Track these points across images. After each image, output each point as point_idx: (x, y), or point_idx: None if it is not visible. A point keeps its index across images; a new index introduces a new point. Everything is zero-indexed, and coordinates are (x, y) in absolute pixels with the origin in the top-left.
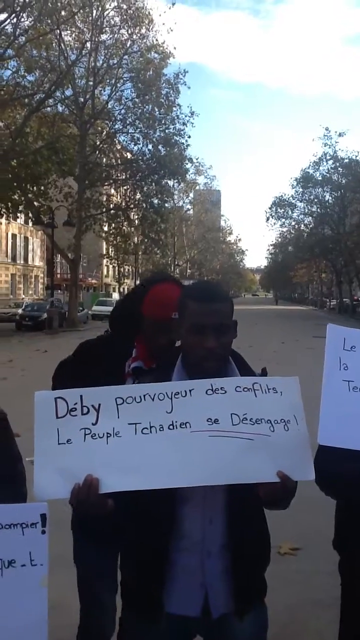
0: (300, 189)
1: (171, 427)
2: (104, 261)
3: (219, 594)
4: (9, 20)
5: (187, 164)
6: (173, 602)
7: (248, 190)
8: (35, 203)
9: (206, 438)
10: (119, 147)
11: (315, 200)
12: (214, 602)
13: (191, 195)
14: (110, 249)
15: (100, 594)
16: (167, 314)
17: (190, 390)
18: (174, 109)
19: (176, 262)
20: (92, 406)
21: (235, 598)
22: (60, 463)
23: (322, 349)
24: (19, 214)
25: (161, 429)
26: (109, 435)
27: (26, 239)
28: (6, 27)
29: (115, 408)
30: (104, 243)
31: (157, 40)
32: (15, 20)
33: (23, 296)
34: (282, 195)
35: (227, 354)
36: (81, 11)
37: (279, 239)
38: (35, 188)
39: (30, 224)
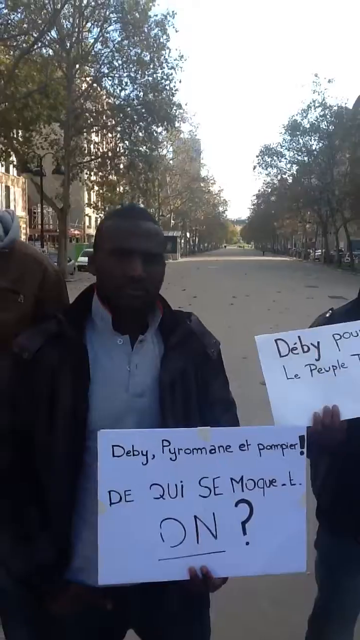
0: (288, 137)
1: None
2: (86, 211)
3: None
4: None
5: (175, 110)
6: None
7: (227, 140)
8: (20, 151)
9: None
10: (105, 92)
11: (303, 148)
12: None
13: (175, 143)
14: (96, 199)
15: None
16: None
17: None
18: (163, 52)
19: (161, 213)
20: (312, 344)
21: None
22: (293, 396)
23: (320, 297)
24: (1, 162)
25: None
26: (334, 367)
27: (7, 188)
28: None
29: (335, 343)
30: (86, 193)
31: None
32: None
33: None
34: (269, 145)
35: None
36: None
37: (264, 189)
38: (20, 134)
39: (13, 172)
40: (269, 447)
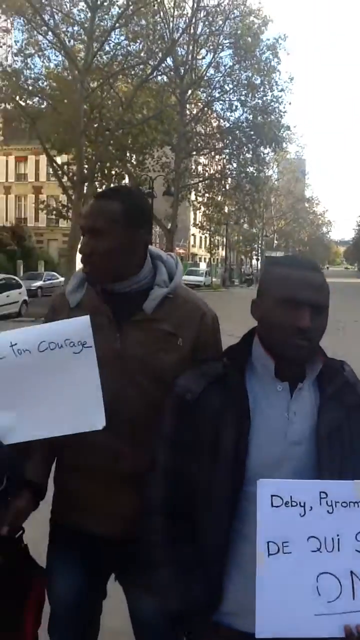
0: None
1: None
2: (191, 231)
3: None
4: None
5: (283, 131)
6: None
7: (332, 159)
8: (134, 173)
9: None
10: (215, 116)
11: None
12: None
13: (281, 164)
14: (201, 219)
15: None
16: None
17: None
18: (273, 75)
19: (264, 233)
20: None
21: None
22: None
23: None
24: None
25: None
26: None
27: None
28: None
29: None
30: (192, 213)
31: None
32: None
33: None
34: None
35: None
36: None
37: None
38: (134, 158)
39: None
40: None
